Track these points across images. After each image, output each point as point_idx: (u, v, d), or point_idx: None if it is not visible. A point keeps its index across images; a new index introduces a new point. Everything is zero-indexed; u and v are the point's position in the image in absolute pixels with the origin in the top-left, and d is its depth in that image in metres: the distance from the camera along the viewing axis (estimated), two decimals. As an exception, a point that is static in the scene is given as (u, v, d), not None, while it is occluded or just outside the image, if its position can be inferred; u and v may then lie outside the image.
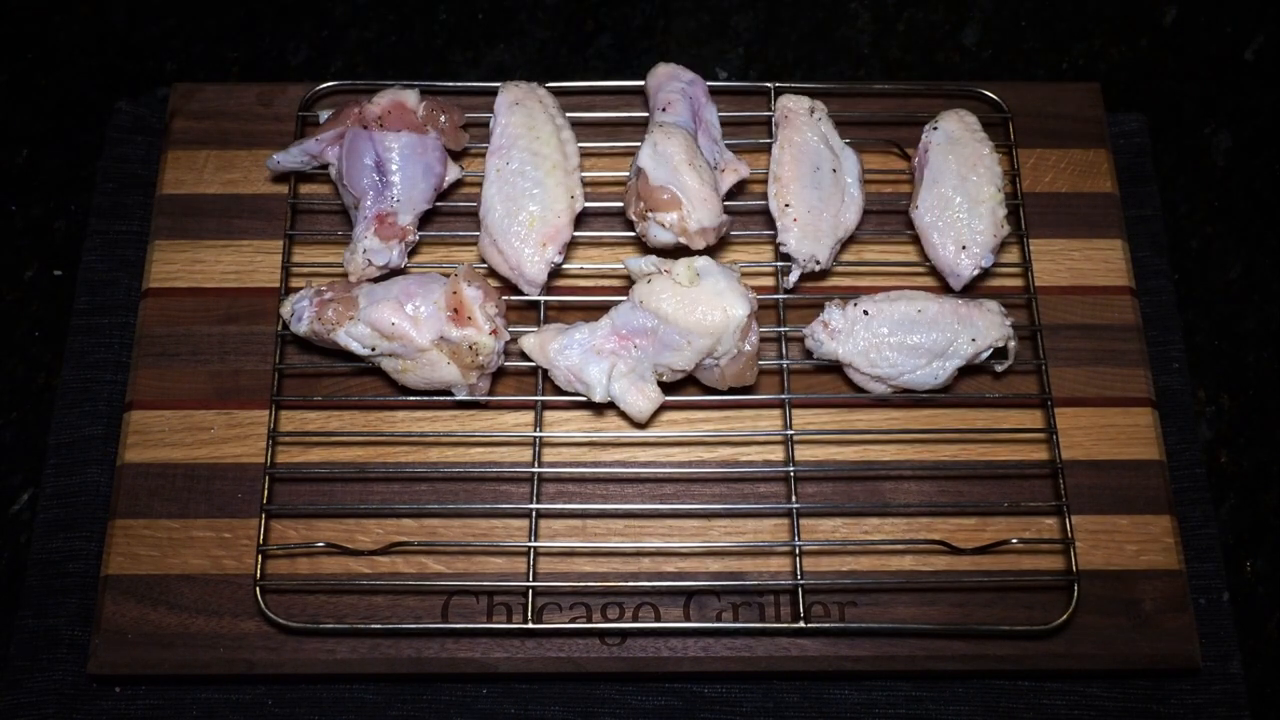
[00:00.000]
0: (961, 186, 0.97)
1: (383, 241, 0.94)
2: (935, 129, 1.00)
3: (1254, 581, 0.98)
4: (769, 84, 1.04)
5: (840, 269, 1.01)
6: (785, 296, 0.98)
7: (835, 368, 0.95)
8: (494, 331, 0.89)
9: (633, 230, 0.96)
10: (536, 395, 0.94)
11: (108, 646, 0.87)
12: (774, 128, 1.01)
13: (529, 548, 0.89)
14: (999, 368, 0.95)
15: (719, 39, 1.19)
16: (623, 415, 0.94)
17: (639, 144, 0.95)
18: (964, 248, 0.96)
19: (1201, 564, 0.96)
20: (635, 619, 0.89)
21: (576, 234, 0.96)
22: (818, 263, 0.96)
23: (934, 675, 0.91)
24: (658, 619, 0.89)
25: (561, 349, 0.91)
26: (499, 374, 0.94)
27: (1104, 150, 1.05)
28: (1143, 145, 1.10)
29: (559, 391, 0.93)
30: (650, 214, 0.93)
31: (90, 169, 1.09)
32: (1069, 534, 0.90)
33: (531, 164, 0.96)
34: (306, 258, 0.99)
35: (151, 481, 0.92)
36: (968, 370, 0.95)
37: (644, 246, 0.96)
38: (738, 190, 1.00)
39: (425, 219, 0.99)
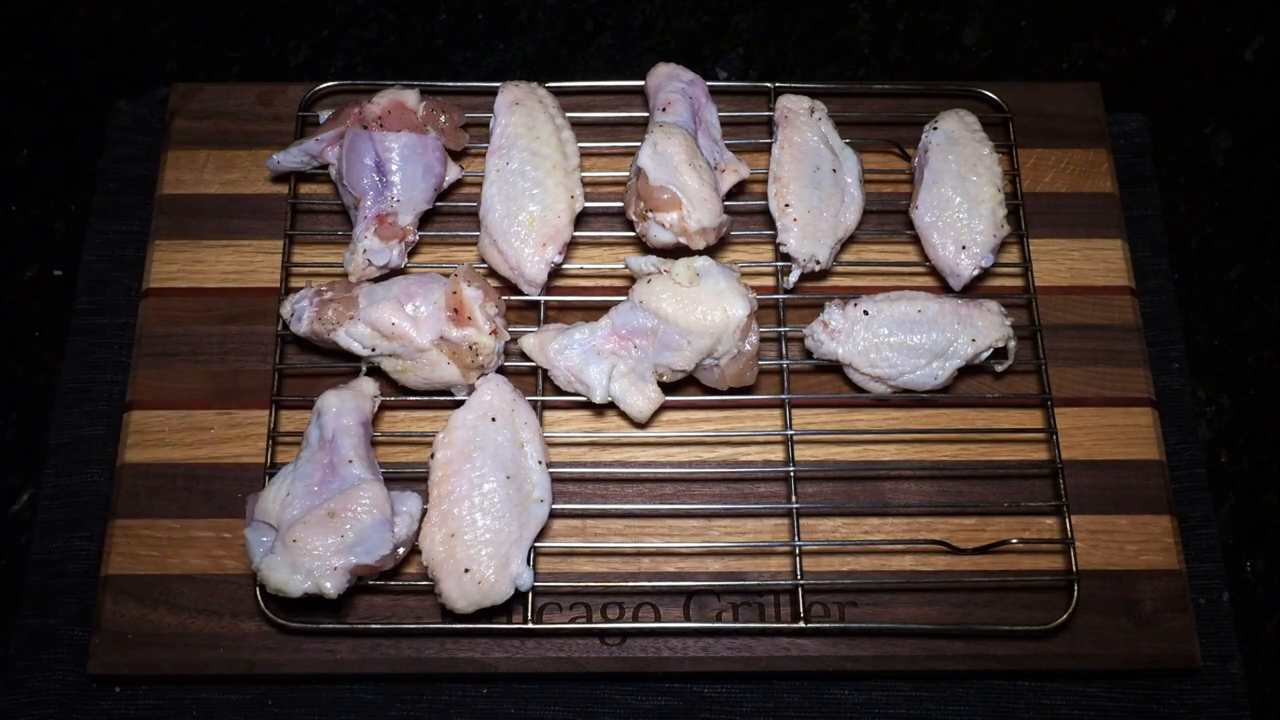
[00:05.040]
0: (961, 186, 0.97)
1: (383, 241, 0.94)
2: (935, 129, 1.00)
3: (1254, 581, 0.98)
4: (769, 84, 1.04)
5: (840, 269, 1.01)
6: (785, 296, 0.98)
7: (835, 368, 0.95)
8: (494, 331, 0.89)
9: (633, 230, 0.96)
10: (537, 395, 0.94)
11: (108, 646, 0.87)
12: (774, 128, 1.01)
13: (530, 547, 0.89)
14: (999, 368, 0.95)
15: (719, 39, 1.19)
16: (623, 415, 0.94)
17: (639, 144, 0.95)
18: (964, 248, 0.96)
19: (1201, 564, 0.96)
20: (635, 619, 0.89)
21: (576, 234, 0.96)
22: (818, 263, 0.96)
23: (934, 675, 0.91)
24: (658, 619, 0.89)
25: (561, 349, 0.91)
26: (499, 374, 0.94)
27: (1104, 150, 1.05)
28: (1143, 145, 1.10)
29: (559, 391, 0.93)
30: (650, 214, 0.93)
31: (90, 169, 1.09)
32: (1069, 534, 0.90)
33: (531, 164, 0.96)
34: (306, 258, 0.99)
35: (151, 481, 0.92)
36: (968, 370, 0.95)
37: (644, 246, 0.96)
38: (738, 190, 1.00)
39: (425, 219, 0.99)
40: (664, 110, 0.98)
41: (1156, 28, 1.20)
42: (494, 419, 0.88)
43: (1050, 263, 1.01)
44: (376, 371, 0.92)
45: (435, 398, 0.93)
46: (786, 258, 0.97)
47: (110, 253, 1.03)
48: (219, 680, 0.89)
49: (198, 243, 1.00)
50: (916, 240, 0.99)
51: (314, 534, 0.82)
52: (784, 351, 0.96)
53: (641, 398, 0.91)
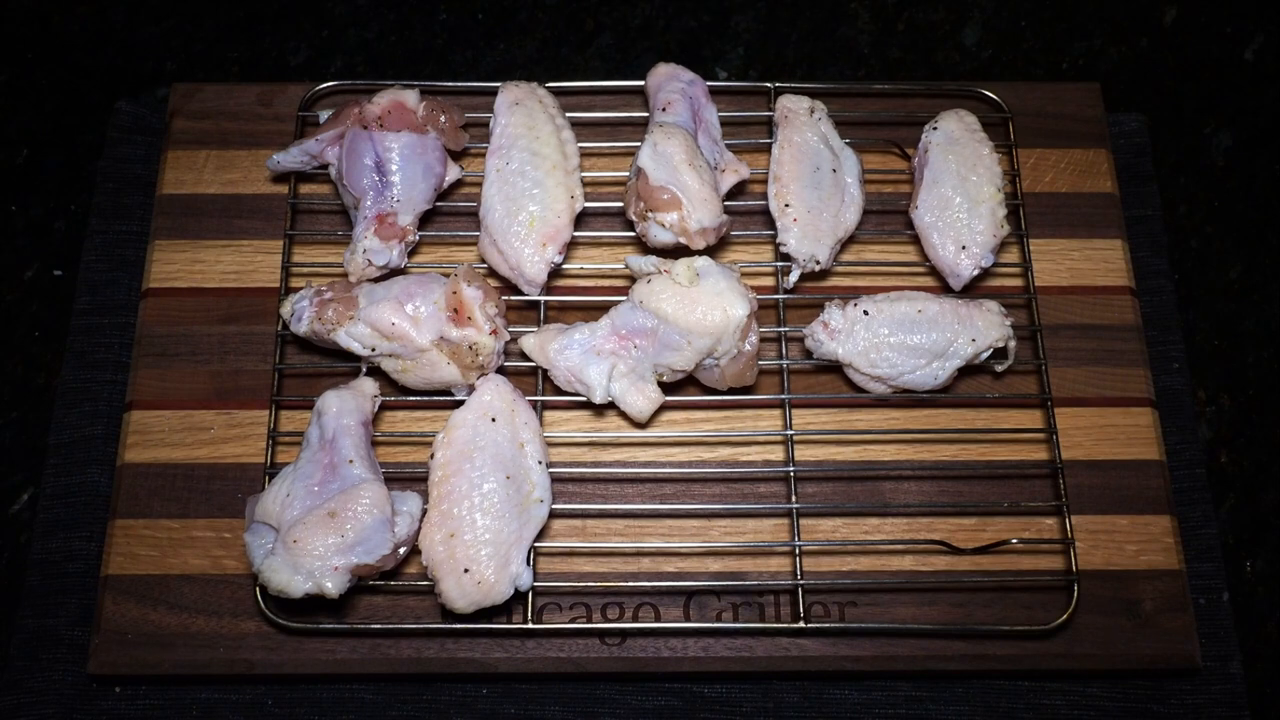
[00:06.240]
0: (961, 186, 0.97)
1: (383, 241, 0.94)
2: (935, 129, 1.00)
3: (1254, 581, 0.98)
4: (769, 84, 1.04)
5: (840, 269, 1.01)
6: (785, 296, 0.98)
7: (835, 368, 0.95)
8: (494, 331, 0.89)
9: (633, 230, 0.96)
10: (537, 395, 0.94)
11: (108, 646, 0.87)
12: (774, 128, 1.01)
13: (530, 547, 0.89)
14: (999, 368, 0.95)
15: (719, 39, 1.19)
16: (623, 415, 0.94)
17: (639, 144, 0.95)
18: (964, 248, 0.96)
19: (1201, 564, 0.96)
20: (635, 619, 0.89)
21: (576, 234, 0.96)
22: (818, 263, 0.96)
23: (934, 675, 0.91)
24: (658, 619, 0.89)
25: (561, 349, 0.91)
26: (499, 374, 0.94)
27: (1104, 150, 1.05)
28: (1143, 145, 1.10)
29: (559, 391, 0.93)
30: (650, 214, 0.93)
31: (90, 169, 1.09)
32: (1069, 534, 0.90)
33: (531, 164, 0.96)
34: (306, 258, 0.99)
35: (151, 481, 0.92)
36: (968, 370, 0.95)
37: (644, 246, 0.96)
38: (738, 190, 1.00)
39: (425, 219, 0.99)
40: (664, 110, 0.98)
41: (1156, 28, 1.20)
42: (494, 419, 0.88)
43: (1050, 263, 1.01)
44: (376, 371, 0.92)
45: (435, 398, 0.93)
46: (786, 258, 0.97)
47: (110, 253, 1.03)
48: (219, 680, 0.89)
49: (198, 243, 1.00)
50: (916, 240, 0.99)
51: (315, 534, 0.82)
52: (784, 351, 0.96)
53: (641, 398, 0.91)
